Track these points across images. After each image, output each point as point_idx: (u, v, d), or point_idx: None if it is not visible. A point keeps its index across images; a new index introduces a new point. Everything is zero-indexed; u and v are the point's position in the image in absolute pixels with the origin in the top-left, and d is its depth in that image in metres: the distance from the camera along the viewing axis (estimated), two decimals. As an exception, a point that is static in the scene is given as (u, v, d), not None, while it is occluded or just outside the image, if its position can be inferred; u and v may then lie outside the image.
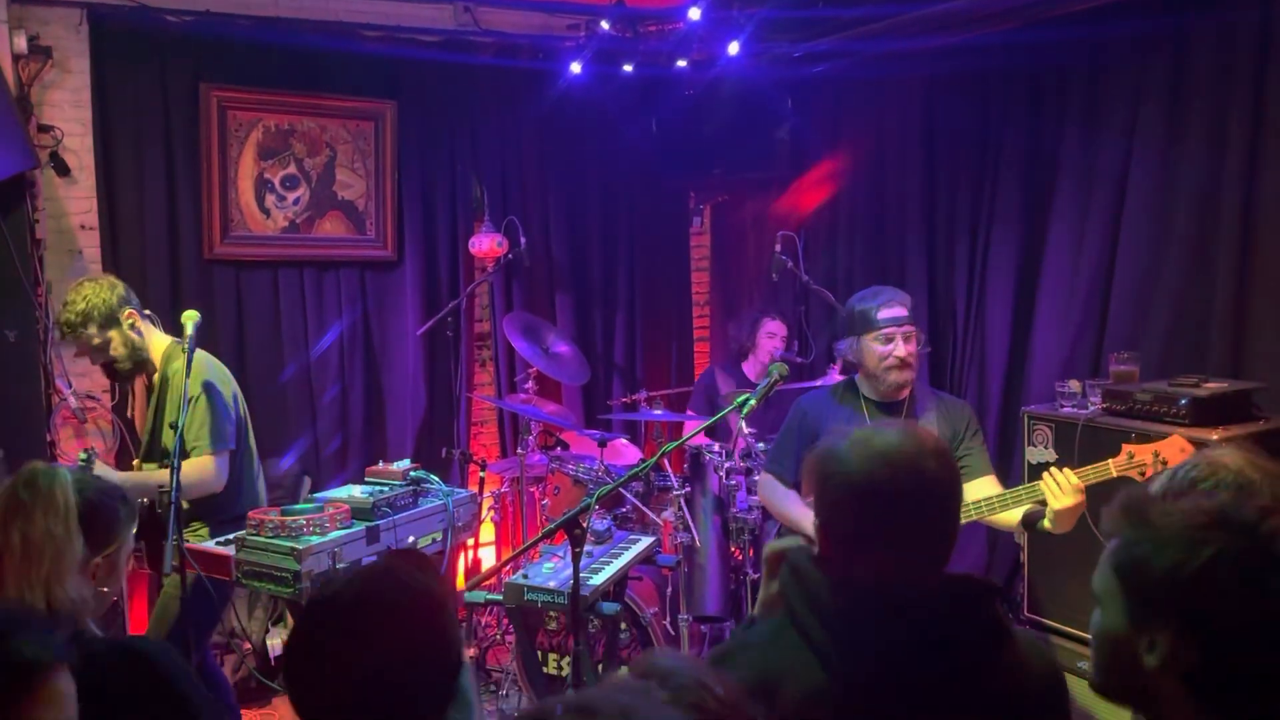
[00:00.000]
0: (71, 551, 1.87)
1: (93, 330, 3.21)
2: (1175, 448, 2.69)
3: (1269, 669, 1.15)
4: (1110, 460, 2.73)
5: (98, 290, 3.22)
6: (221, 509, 3.31)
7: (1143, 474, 2.67)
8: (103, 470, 3.04)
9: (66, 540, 1.87)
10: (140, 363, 3.31)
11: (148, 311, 3.41)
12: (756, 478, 3.73)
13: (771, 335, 4.95)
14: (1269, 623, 1.14)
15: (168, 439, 3.28)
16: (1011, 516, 2.89)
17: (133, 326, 3.26)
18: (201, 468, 3.18)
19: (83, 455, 3.04)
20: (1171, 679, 1.19)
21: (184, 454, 3.11)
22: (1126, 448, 2.74)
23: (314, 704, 1.40)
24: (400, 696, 1.38)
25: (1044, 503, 2.74)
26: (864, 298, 3.15)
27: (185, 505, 3.14)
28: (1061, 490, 2.66)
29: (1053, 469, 2.72)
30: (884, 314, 3.06)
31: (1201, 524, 1.19)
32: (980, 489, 3.00)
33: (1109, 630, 1.27)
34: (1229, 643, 1.16)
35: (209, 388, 3.25)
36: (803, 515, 3.10)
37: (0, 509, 1.89)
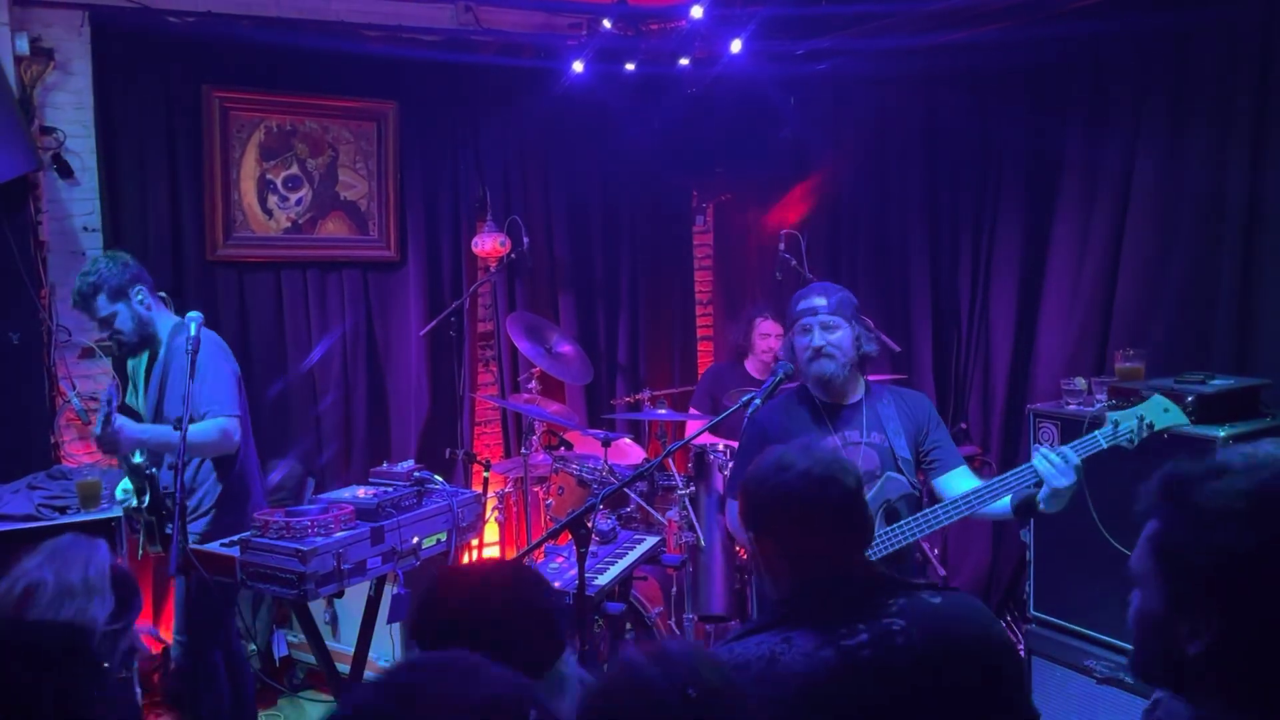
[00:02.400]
0: (100, 604, 1.95)
1: (102, 301, 3.32)
2: (1159, 408, 2.62)
3: None
4: (1098, 433, 2.65)
5: (110, 264, 3.35)
6: (230, 489, 3.40)
7: (1131, 441, 2.60)
8: (123, 420, 3.07)
9: (100, 593, 1.98)
10: (146, 338, 3.40)
11: (162, 294, 3.50)
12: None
13: (765, 335, 4.92)
14: None
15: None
16: (1001, 505, 2.75)
17: (142, 302, 3.37)
18: (214, 428, 3.24)
19: (104, 399, 3.05)
20: (1214, 665, 1.16)
21: (193, 419, 3.18)
22: (1110, 416, 2.66)
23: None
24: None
25: (1031, 486, 2.65)
26: (793, 298, 3.03)
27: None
28: (1060, 470, 2.55)
29: (1044, 450, 2.61)
30: (800, 305, 2.94)
31: (1245, 508, 1.15)
32: (959, 481, 2.90)
33: (1148, 613, 1.24)
34: (1267, 626, 1.13)
35: (216, 359, 3.34)
36: None
37: (46, 551, 1.98)
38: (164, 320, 3.45)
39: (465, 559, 4.65)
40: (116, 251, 3.51)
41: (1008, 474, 2.71)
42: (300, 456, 5.03)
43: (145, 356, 3.49)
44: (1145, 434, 2.60)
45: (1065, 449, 2.58)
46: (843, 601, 1.74)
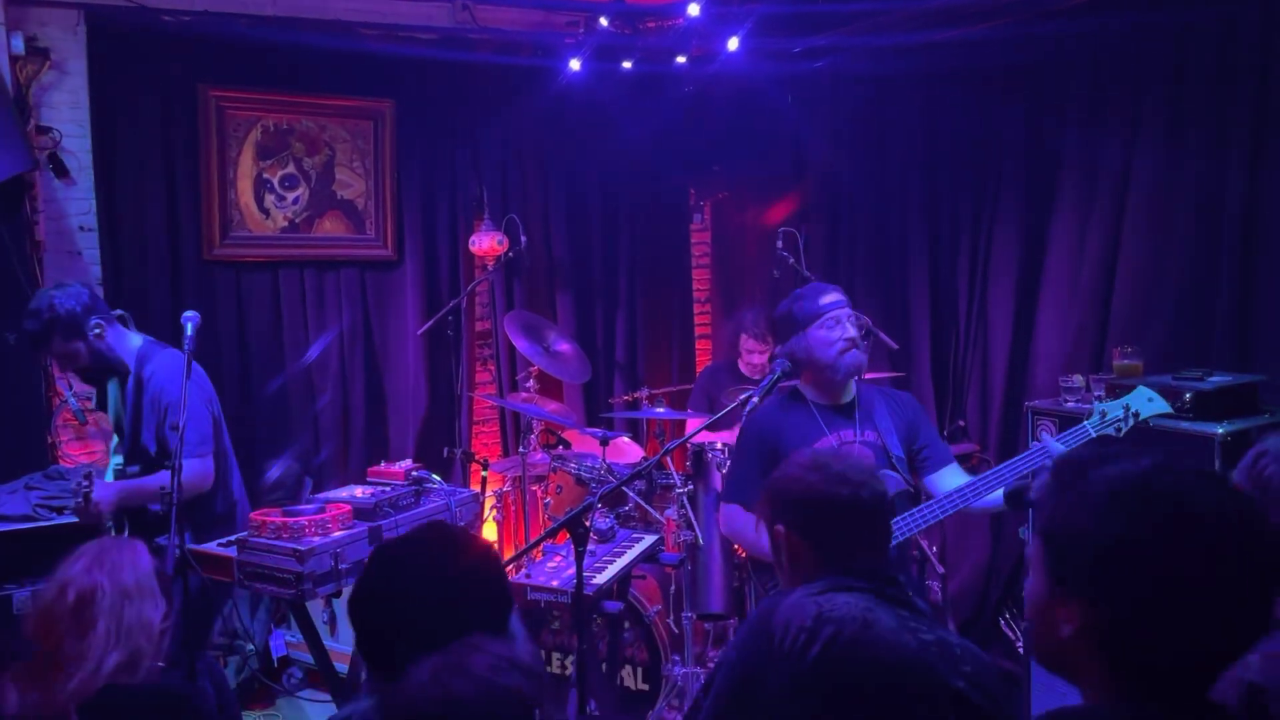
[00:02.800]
0: (154, 605, 1.98)
1: (57, 342, 3.19)
2: (1144, 398, 2.72)
3: (1178, 642, 1.12)
4: (1086, 422, 2.74)
5: (62, 299, 3.19)
6: (200, 509, 3.30)
7: (1118, 430, 2.69)
8: (101, 493, 3.03)
9: (153, 594, 2.00)
10: (109, 368, 3.29)
11: (120, 311, 3.37)
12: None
13: (750, 351, 4.91)
14: (1179, 597, 1.11)
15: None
16: (994, 498, 2.80)
17: (99, 336, 3.23)
18: (190, 471, 3.13)
19: (85, 476, 3.02)
20: (1084, 648, 1.17)
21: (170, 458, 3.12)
22: (1098, 406, 2.76)
23: (377, 623, 1.58)
24: (455, 618, 1.53)
25: (1024, 477, 2.71)
26: (798, 296, 3.01)
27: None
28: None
29: (1045, 438, 2.73)
30: (821, 301, 2.92)
31: (1122, 492, 1.15)
32: (950, 478, 2.94)
33: (1034, 596, 1.25)
34: (1139, 615, 1.13)
35: (189, 393, 3.15)
36: None
37: (89, 556, 1.97)
38: (126, 346, 3.31)
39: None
40: (64, 282, 3.32)
41: (1002, 465, 2.76)
42: (298, 456, 5.03)
43: (117, 380, 3.37)
44: (1132, 422, 2.70)
45: (1052, 440, 2.69)
46: (893, 598, 1.82)
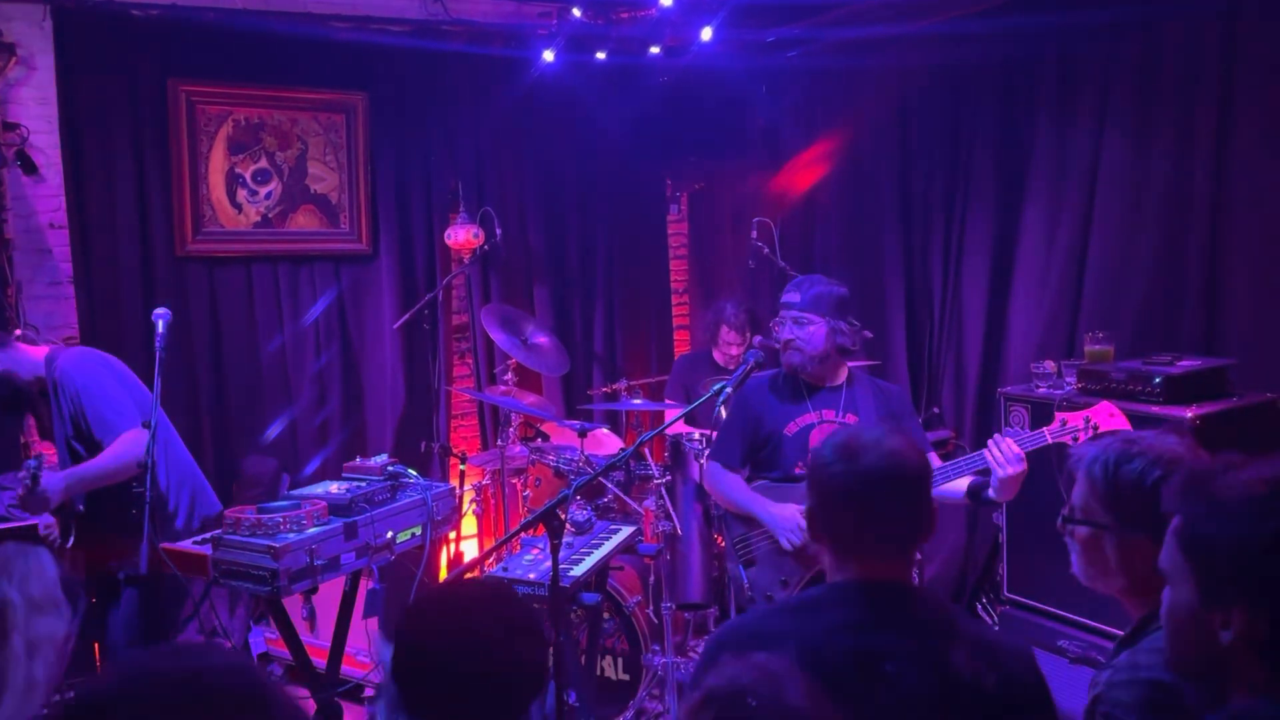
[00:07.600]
0: (62, 616, 1.85)
1: None
2: (1105, 413, 2.80)
3: None
4: (1045, 428, 2.82)
5: None
6: (160, 515, 3.22)
7: (1075, 438, 2.77)
8: (48, 480, 2.95)
9: (60, 605, 1.85)
10: (20, 391, 3.19)
11: (19, 332, 3.31)
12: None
13: (728, 344, 4.89)
14: None
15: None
16: (956, 488, 2.95)
17: None
18: (126, 443, 3.07)
19: (32, 462, 2.96)
20: (1246, 653, 1.19)
21: (104, 444, 3.08)
22: (1059, 415, 2.83)
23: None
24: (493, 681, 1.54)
25: (984, 473, 2.81)
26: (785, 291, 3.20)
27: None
28: (1005, 459, 2.72)
29: (995, 437, 2.79)
30: (781, 298, 3.13)
31: (1263, 495, 1.18)
32: None
33: (1181, 608, 1.27)
34: None
35: (99, 377, 3.17)
36: (749, 499, 3.17)
37: None
38: (29, 361, 3.19)
39: (441, 555, 4.65)
40: None
41: (960, 459, 2.91)
42: (273, 451, 5.01)
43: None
44: (1091, 434, 2.79)
45: (1011, 440, 2.76)
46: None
